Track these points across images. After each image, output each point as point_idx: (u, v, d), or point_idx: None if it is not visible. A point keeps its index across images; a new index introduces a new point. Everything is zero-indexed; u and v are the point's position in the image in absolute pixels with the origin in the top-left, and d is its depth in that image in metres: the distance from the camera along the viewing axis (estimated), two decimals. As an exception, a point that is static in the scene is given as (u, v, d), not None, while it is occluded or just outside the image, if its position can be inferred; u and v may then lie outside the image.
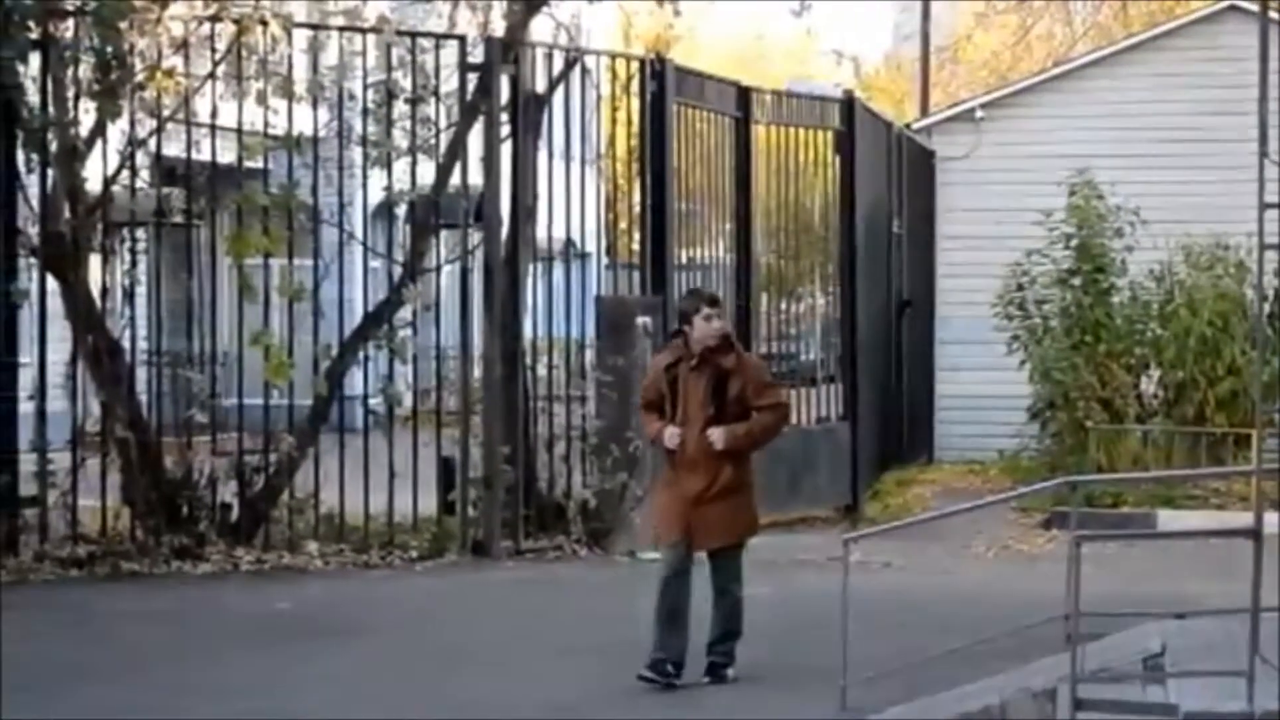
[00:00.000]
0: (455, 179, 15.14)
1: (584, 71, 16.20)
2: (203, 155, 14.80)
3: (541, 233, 15.76)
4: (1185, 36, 22.91)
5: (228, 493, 14.64)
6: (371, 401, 15.28)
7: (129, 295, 14.77)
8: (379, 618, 12.27)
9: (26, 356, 14.42)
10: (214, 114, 14.66)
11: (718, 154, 17.51)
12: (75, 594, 13.09)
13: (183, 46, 14.47)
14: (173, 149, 14.72)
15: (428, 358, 16.10)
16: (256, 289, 14.52)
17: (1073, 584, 9.08)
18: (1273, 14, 10.60)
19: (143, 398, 14.73)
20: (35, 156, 14.13)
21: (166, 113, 14.47)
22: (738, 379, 9.99)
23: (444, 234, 16.12)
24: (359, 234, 15.97)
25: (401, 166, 15.26)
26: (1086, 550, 9.47)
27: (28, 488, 14.12)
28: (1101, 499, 17.30)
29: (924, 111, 28.98)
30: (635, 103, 16.33)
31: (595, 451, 15.43)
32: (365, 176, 15.31)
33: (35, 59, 14.01)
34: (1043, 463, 19.41)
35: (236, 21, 14.53)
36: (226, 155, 14.76)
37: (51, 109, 14.04)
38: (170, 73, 14.37)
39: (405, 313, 15.15)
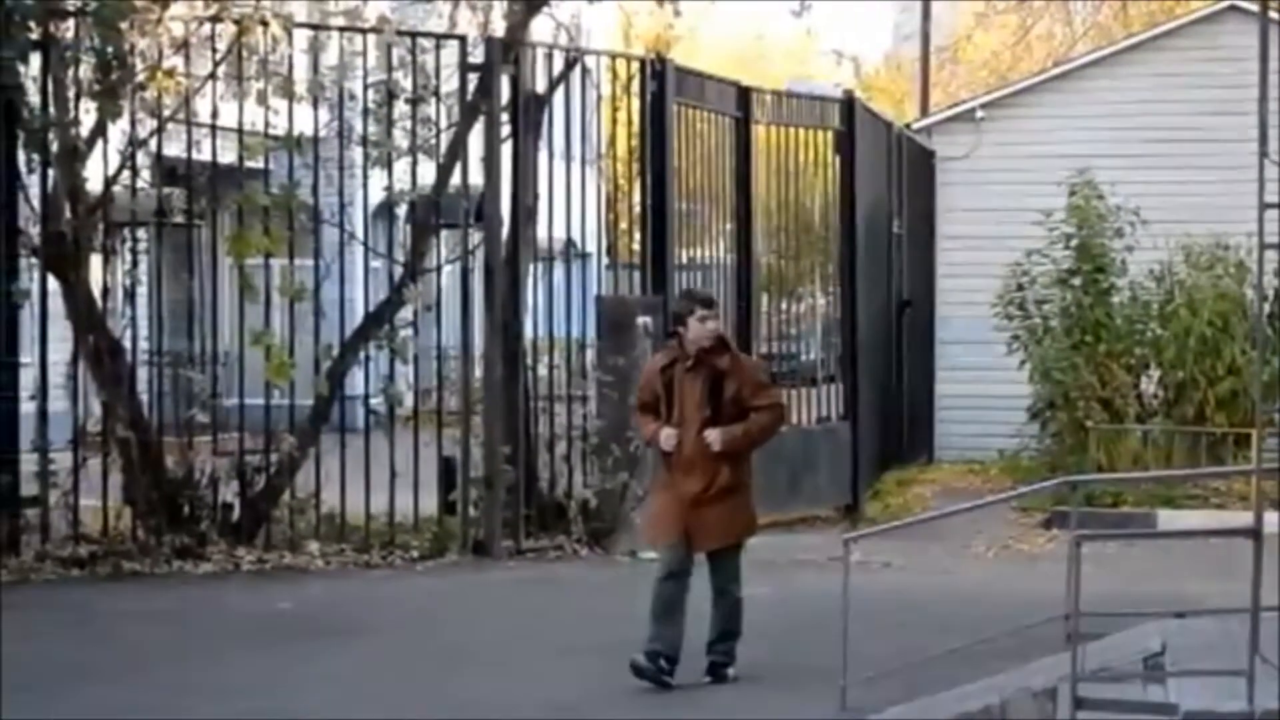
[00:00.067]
0: (456, 179, 15.15)
1: (584, 71, 16.21)
2: (203, 155, 14.81)
3: (542, 233, 15.77)
4: (1185, 36, 22.92)
5: (229, 492, 14.64)
6: (372, 401, 15.29)
7: (130, 295, 14.79)
8: (380, 617, 12.28)
9: (28, 356, 14.43)
10: (215, 114, 14.66)
11: (718, 154, 17.52)
12: (76, 594, 13.09)
13: (183, 47, 14.48)
14: (173, 149, 14.73)
15: (429, 358, 16.11)
16: (257, 289, 14.53)
17: (1073, 584, 9.09)
18: (1273, 14, 10.60)
19: (144, 398, 14.74)
20: (36, 156, 14.14)
21: (167, 113, 14.48)
22: (734, 379, 10.00)
23: (445, 234, 16.14)
24: (360, 234, 15.97)
25: (402, 166, 15.26)
26: (1086, 550, 9.48)
27: (29, 487, 14.13)
28: (1101, 499, 17.32)
29: (924, 111, 28.99)
30: (635, 103, 16.34)
31: (596, 451, 15.44)
32: (366, 176, 15.32)
33: (36, 59, 14.01)
34: (1043, 462, 19.43)
35: (237, 22, 14.53)
36: (227, 155, 14.77)
37: (52, 109, 14.04)
38: (171, 73, 14.38)
39: (406, 313, 15.17)
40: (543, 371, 15.91)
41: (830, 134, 19.24)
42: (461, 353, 15.29)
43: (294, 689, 10.01)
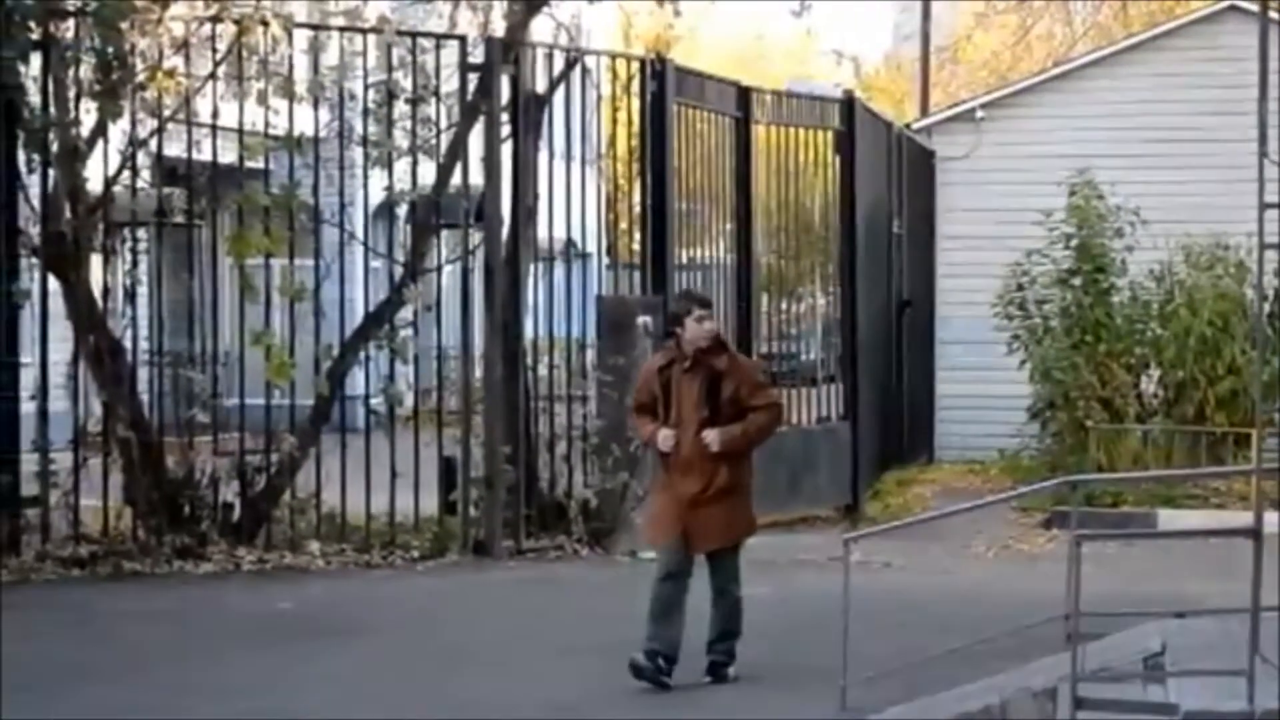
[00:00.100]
0: (456, 179, 15.15)
1: (584, 72, 16.22)
2: (204, 155, 14.81)
3: (542, 233, 15.78)
4: (1185, 36, 22.93)
5: (229, 493, 14.65)
6: (373, 401, 15.29)
7: (130, 295, 14.79)
8: (380, 617, 12.29)
9: (28, 356, 14.43)
10: (215, 114, 14.66)
11: (718, 154, 17.52)
12: (77, 594, 13.10)
13: (184, 47, 14.48)
14: (174, 149, 14.73)
15: (429, 358, 16.12)
16: (258, 289, 14.54)
17: (1073, 583, 9.10)
18: (1273, 14, 10.61)
19: (144, 398, 14.73)
20: (36, 157, 14.14)
21: (167, 113, 14.48)
22: (731, 380, 9.99)
23: (445, 234, 16.14)
24: (360, 234, 15.97)
25: (402, 166, 15.27)
26: (1086, 550, 9.49)
27: (30, 488, 14.13)
28: (1101, 498, 17.33)
29: (924, 111, 28.99)
30: (635, 103, 16.34)
31: (596, 451, 15.44)
32: (366, 176, 15.32)
33: (36, 59, 14.02)
34: (1043, 462, 19.43)
35: (237, 22, 14.54)
36: (227, 155, 14.77)
37: (53, 109, 14.04)
38: (171, 73, 14.38)
39: (406, 313, 15.17)
40: (543, 371, 15.91)
41: (830, 134, 19.24)
42: (462, 353, 15.29)
43: (294, 689, 10.01)
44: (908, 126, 24.14)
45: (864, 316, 19.56)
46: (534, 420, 15.57)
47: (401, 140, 15.11)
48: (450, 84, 15.22)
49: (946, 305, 23.35)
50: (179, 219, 14.98)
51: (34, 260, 14.30)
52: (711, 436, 9.88)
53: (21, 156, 14.09)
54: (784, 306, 20.39)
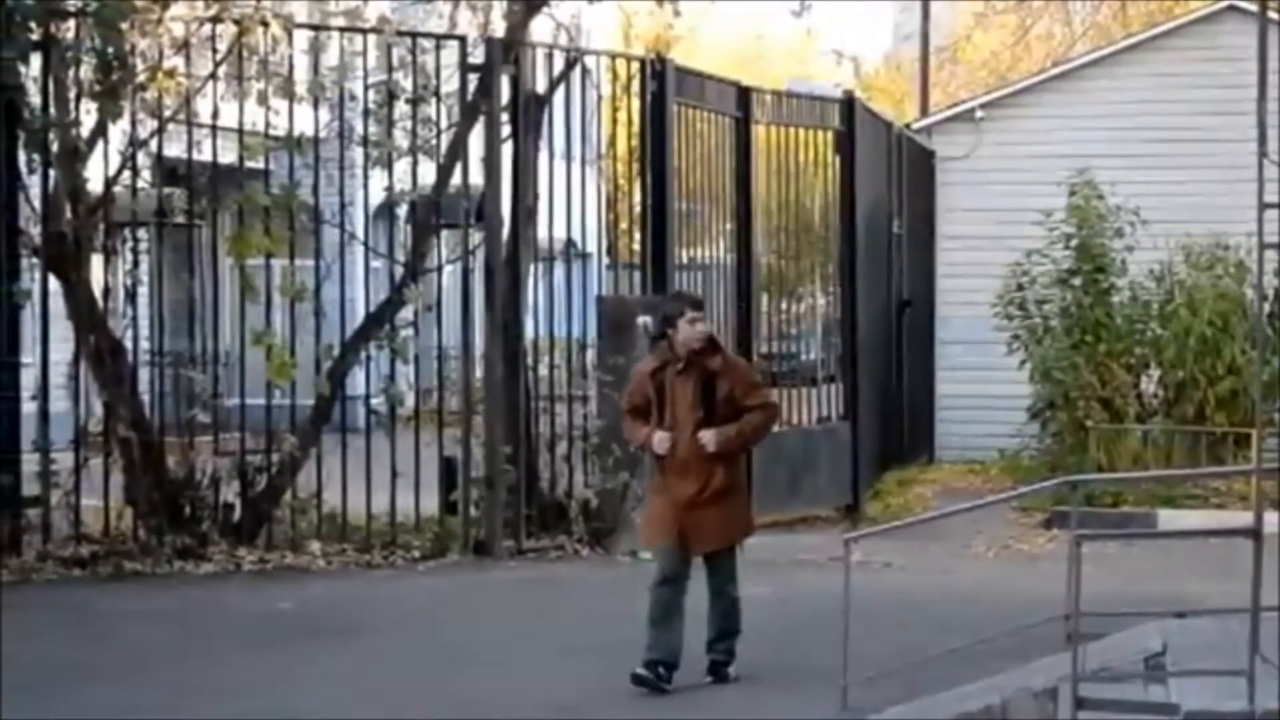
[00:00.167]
0: (456, 179, 15.16)
1: (584, 72, 16.23)
2: (204, 155, 14.81)
3: (542, 233, 15.78)
4: (1184, 36, 22.94)
5: (230, 493, 14.65)
6: (373, 401, 15.29)
7: (131, 295, 14.80)
8: (381, 617, 12.29)
9: (29, 357, 14.44)
10: (215, 114, 14.67)
11: (718, 154, 17.53)
12: (78, 594, 13.10)
13: (184, 47, 14.49)
14: (174, 149, 14.74)
15: (429, 358, 16.12)
16: (258, 289, 14.54)
17: (1073, 583, 9.10)
18: (1272, 14, 10.64)
19: (145, 398, 14.74)
20: (37, 157, 14.15)
21: (168, 113, 14.49)
22: (726, 379, 9.97)
23: (445, 234, 16.14)
24: (360, 234, 15.98)
25: (402, 167, 15.27)
26: (1087, 550, 9.49)
27: (30, 488, 14.14)
28: (1102, 498, 17.34)
29: (924, 111, 29.01)
30: (636, 103, 16.35)
31: (597, 451, 15.45)
32: (366, 177, 15.33)
33: (37, 60, 14.02)
34: (1043, 462, 19.44)
35: (237, 22, 14.54)
36: (228, 155, 14.77)
37: (53, 109, 14.05)
38: (171, 73, 14.39)
39: (407, 313, 15.17)
40: (543, 371, 15.92)
41: (830, 134, 19.25)
42: (462, 353, 15.30)
43: (294, 689, 10.02)
44: (908, 126, 24.16)
45: (864, 316, 19.57)
46: (534, 420, 15.57)
47: (402, 140, 15.12)
48: (450, 84, 15.22)
49: (946, 305, 23.36)
50: (179, 219, 14.98)
51: (35, 260, 14.31)
52: (708, 437, 9.86)
53: (22, 157, 14.10)
54: (784, 306, 20.40)
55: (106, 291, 14.52)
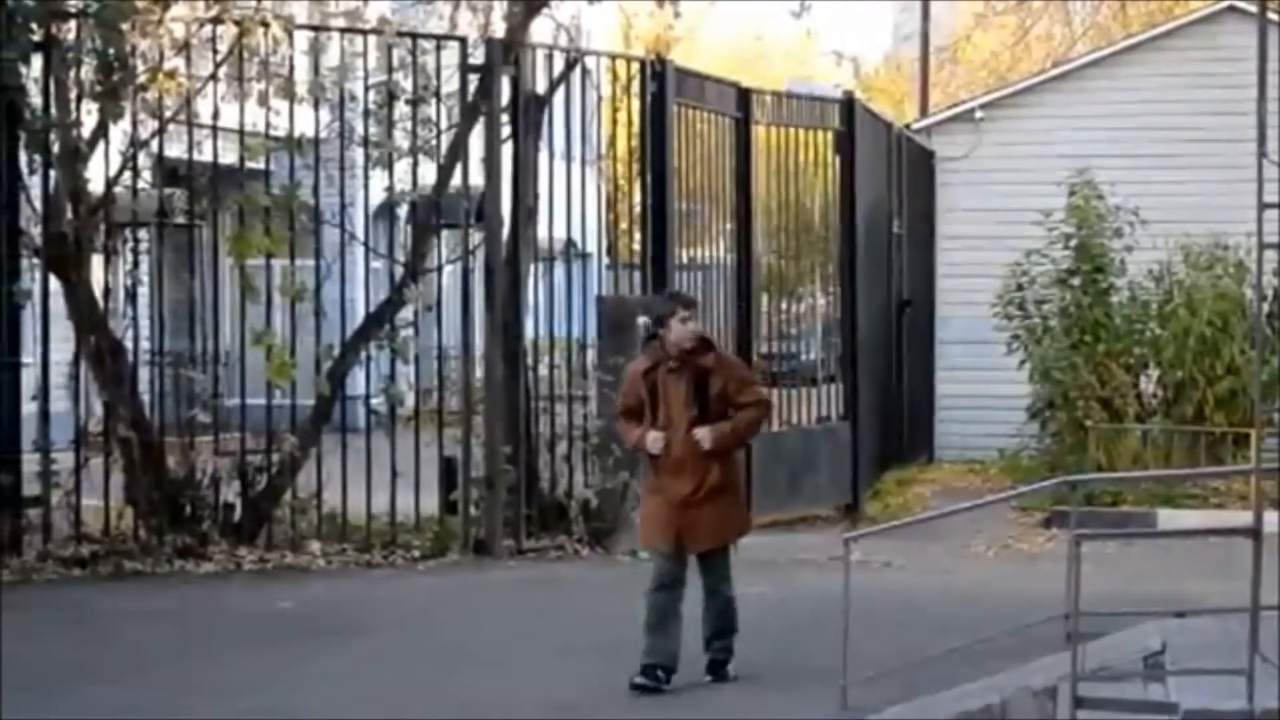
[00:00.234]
0: (456, 179, 15.17)
1: (584, 72, 16.23)
2: (204, 156, 14.82)
3: (542, 233, 15.79)
4: (1184, 37, 22.95)
5: (230, 492, 14.66)
6: (374, 401, 15.30)
7: (131, 295, 14.81)
8: (381, 617, 12.30)
9: (29, 357, 14.45)
10: (216, 115, 14.67)
11: (718, 154, 17.54)
12: (78, 593, 13.11)
13: (184, 48, 14.50)
14: (175, 150, 14.75)
15: (429, 358, 16.13)
16: (259, 289, 14.55)
17: (1073, 583, 9.11)
18: (1272, 14, 10.66)
19: (145, 398, 14.75)
20: (38, 157, 14.16)
21: (168, 114, 14.50)
22: (719, 377, 9.94)
23: (445, 234, 16.15)
24: (360, 234, 15.98)
25: (403, 167, 15.28)
26: (1086, 549, 9.51)
27: (31, 488, 14.14)
28: (1101, 498, 17.35)
29: (924, 112, 29.02)
30: (636, 103, 16.36)
31: (597, 451, 15.46)
32: (367, 177, 15.34)
33: (38, 60, 14.04)
34: (1042, 462, 19.46)
35: (238, 23, 14.56)
36: (228, 156, 14.78)
37: (54, 110, 14.06)
38: (172, 74, 14.40)
39: (407, 313, 15.18)
40: (543, 371, 15.93)
41: (830, 134, 19.27)
42: (462, 353, 15.31)
43: (294, 689, 10.02)
44: (907, 127, 24.17)
45: (864, 316, 19.58)
46: (534, 420, 15.58)
47: (402, 141, 15.13)
48: (451, 85, 15.23)
49: (946, 305, 23.38)
50: (180, 219, 15.00)
51: (35, 261, 14.32)
52: (703, 434, 9.82)
53: (23, 157, 14.12)
54: (784, 306, 20.41)
55: (107, 292, 14.53)
